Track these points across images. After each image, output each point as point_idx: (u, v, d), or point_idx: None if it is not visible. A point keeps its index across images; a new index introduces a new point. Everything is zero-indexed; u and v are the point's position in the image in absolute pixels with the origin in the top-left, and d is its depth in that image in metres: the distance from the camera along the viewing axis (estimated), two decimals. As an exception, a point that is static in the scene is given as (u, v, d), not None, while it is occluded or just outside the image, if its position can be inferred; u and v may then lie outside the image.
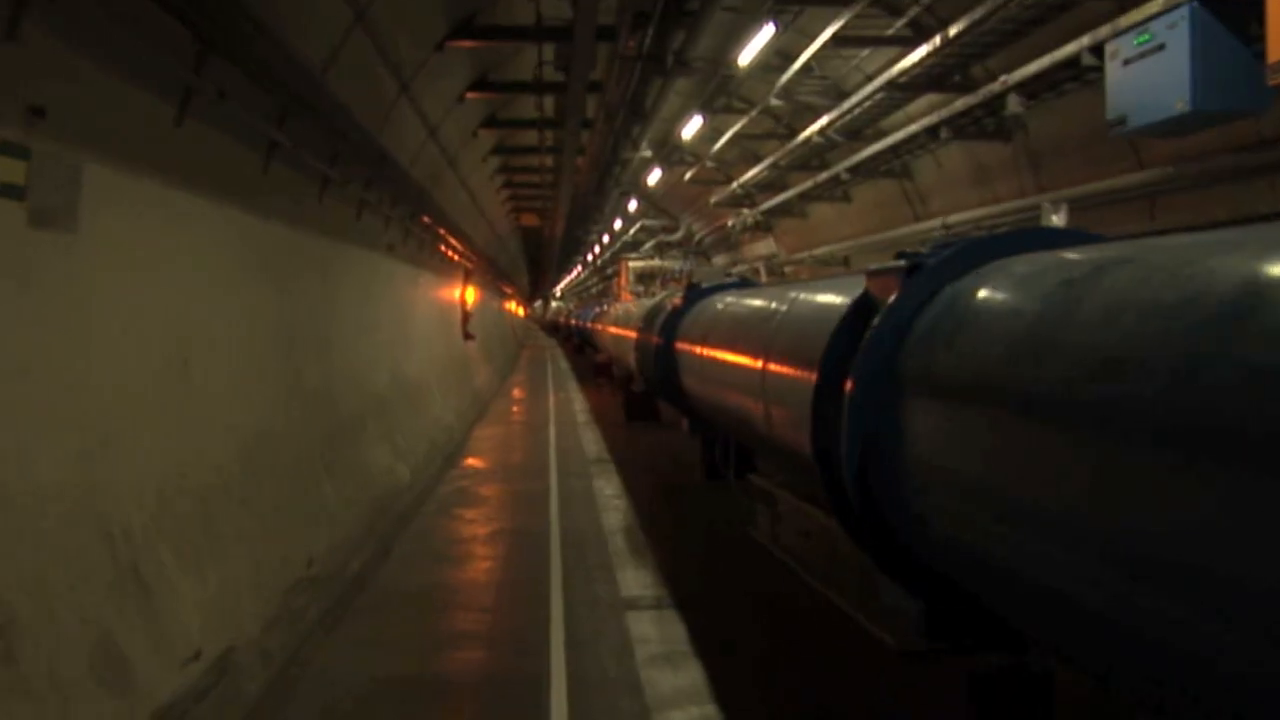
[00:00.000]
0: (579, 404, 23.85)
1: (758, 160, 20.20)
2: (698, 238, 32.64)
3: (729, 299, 9.81)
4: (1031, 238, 4.41)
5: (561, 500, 11.71)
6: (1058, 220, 9.35)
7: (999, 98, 9.80)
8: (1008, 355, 3.41)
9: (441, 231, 17.55)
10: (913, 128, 12.17)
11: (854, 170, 14.85)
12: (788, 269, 23.59)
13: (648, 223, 34.49)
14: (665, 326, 12.32)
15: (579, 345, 51.23)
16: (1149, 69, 7.24)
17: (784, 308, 7.02)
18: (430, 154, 14.20)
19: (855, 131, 14.56)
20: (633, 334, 16.37)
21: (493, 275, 34.80)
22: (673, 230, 34.07)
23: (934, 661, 5.17)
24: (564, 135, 15.64)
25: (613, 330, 24.34)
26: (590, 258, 58.35)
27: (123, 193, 5.41)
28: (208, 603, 5.68)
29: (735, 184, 20.74)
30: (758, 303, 7.99)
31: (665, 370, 12.11)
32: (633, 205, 31.42)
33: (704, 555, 9.21)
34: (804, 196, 18.07)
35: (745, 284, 12.42)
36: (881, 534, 4.67)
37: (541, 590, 7.92)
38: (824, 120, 14.52)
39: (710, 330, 9.63)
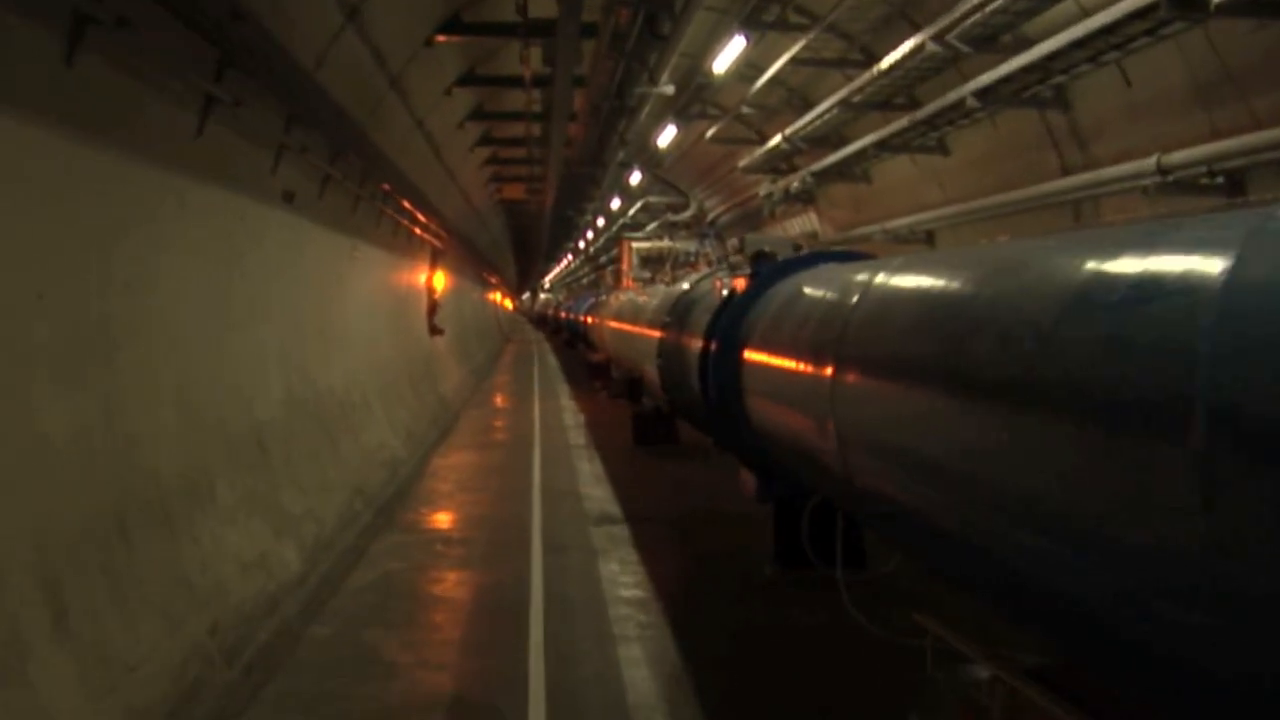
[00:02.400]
0: (571, 416, 19.10)
1: (808, 107, 15.47)
2: (711, 216, 27.90)
3: (866, 281, 5.05)
4: None
5: (551, 614, 6.96)
6: None
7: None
8: None
9: (386, 188, 12.76)
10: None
11: (984, 95, 10.10)
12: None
13: (652, 199, 29.71)
14: (721, 324, 7.59)
15: (569, 339, 46.48)
16: None
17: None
18: (352, 52, 9.40)
19: (990, 38, 9.82)
20: (651, 332, 11.65)
21: (472, 260, 29.98)
22: (681, 208, 29.31)
23: None
24: (558, 44, 10.87)
25: (615, 325, 19.60)
26: (582, 245, 53.55)
27: None
28: None
29: (779, 137, 15.98)
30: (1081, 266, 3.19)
31: (723, 393, 7.39)
32: (635, 178, 26.62)
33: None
34: (882, 146, 13.31)
35: (853, 255, 7.69)
36: None
37: None
38: (924, 34, 9.83)
39: (843, 333, 4.94)
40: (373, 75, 10.43)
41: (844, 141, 15.64)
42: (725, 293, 8.06)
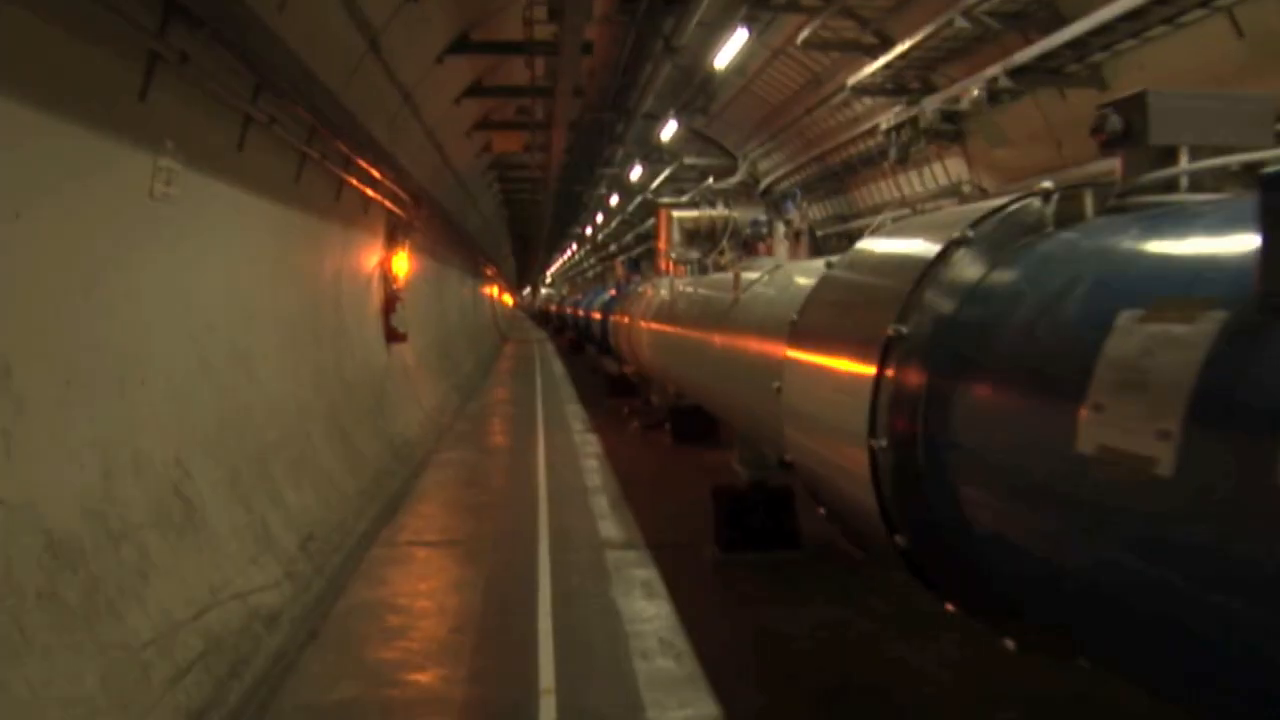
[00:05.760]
0: (595, 468, 12.57)
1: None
2: (766, 182, 21.38)
3: None
4: None
5: None
6: None
7: None
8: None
9: (255, 79, 6.23)
10: None
11: None
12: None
13: (687, 161, 23.21)
14: None
15: (574, 340, 39.75)
16: None
17: None
18: None
19: None
20: (832, 363, 5.12)
21: (458, 243, 23.45)
22: (725, 173, 22.79)
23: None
24: None
25: (663, 329, 13.05)
26: (589, 231, 47.07)
27: None
28: None
29: (955, 12, 9.44)
30: None
31: None
32: (666, 133, 20.09)
33: None
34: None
35: None
36: None
37: None
38: None
39: None
40: None
41: (1059, 21, 9.15)
42: None
